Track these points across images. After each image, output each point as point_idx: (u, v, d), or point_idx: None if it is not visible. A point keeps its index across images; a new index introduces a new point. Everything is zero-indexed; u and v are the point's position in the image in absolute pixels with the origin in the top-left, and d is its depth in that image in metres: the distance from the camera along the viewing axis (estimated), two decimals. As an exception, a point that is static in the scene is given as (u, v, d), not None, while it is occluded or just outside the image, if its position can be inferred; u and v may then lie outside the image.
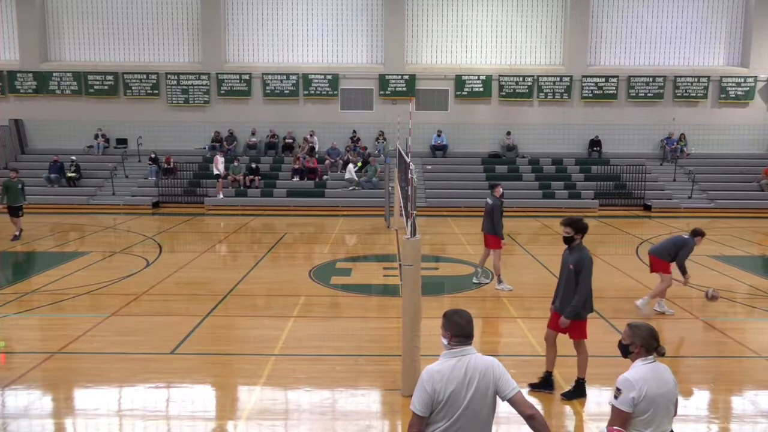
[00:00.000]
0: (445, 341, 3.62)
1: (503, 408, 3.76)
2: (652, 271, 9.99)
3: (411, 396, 6.31)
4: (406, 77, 25.55)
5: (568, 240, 6.63)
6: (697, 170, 24.16)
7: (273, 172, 24.47)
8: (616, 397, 3.74)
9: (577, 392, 6.68)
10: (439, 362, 3.57)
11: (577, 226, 6.57)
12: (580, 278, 6.45)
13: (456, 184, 23.76)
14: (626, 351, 3.92)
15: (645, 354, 3.82)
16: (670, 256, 9.69)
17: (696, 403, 6.75)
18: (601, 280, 8.83)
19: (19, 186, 15.88)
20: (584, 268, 6.44)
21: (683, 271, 9.69)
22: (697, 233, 9.80)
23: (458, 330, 3.58)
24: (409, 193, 7.68)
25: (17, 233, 15.72)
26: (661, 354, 3.86)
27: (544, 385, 6.86)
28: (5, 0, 25.54)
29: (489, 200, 11.15)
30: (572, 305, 6.48)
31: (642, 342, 3.84)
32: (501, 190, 11.24)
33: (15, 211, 15.75)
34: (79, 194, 23.03)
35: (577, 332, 6.67)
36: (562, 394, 6.69)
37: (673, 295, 10.72)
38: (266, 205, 22.44)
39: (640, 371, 3.78)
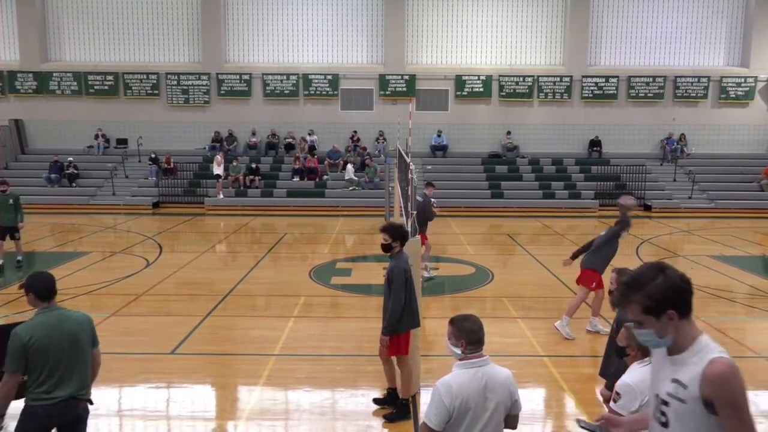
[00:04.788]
0: (458, 350, 3.41)
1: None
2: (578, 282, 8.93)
3: (410, 397, 6.34)
4: (406, 77, 25.55)
5: (386, 248, 6.01)
6: (697, 170, 24.14)
7: (273, 172, 24.47)
8: (614, 401, 3.60)
9: (400, 413, 6.13)
10: (455, 374, 3.37)
11: (395, 233, 5.96)
12: (392, 290, 5.86)
13: (456, 184, 23.73)
14: (622, 353, 3.82)
15: (641, 356, 3.73)
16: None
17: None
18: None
19: (11, 201, 12.44)
20: (395, 279, 5.82)
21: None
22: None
23: (472, 336, 3.39)
24: (409, 193, 7.69)
25: (19, 258, 12.75)
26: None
27: (388, 402, 6.31)
28: (5, 0, 25.54)
29: (419, 197, 11.39)
30: (387, 321, 5.88)
31: (639, 344, 3.71)
32: (432, 190, 11.87)
33: (7, 232, 12.54)
34: (79, 194, 23.01)
35: (393, 347, 6.02)
36: (385, 416, 6.13)
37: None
38: (266, 205, 22.43)
39: (638, 374, 3.71)
